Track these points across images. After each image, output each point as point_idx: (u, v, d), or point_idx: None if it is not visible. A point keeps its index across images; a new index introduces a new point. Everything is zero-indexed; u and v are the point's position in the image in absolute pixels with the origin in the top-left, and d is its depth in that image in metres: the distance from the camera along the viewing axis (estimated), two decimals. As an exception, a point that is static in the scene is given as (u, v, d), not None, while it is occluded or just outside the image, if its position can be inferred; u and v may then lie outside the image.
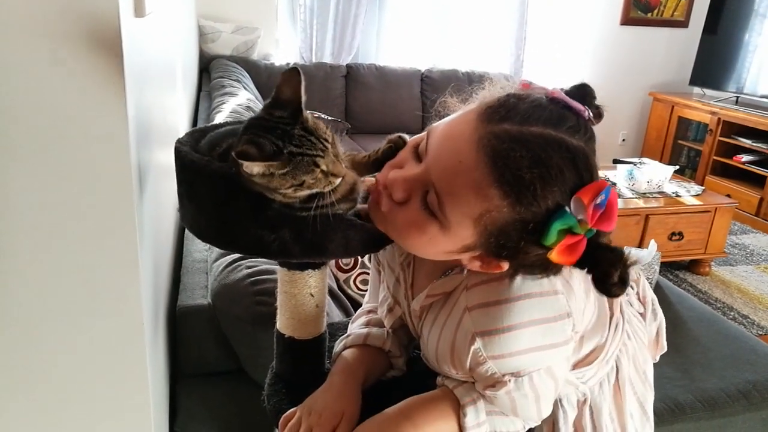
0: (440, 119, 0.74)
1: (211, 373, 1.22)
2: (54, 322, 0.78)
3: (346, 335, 0.99)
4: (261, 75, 3.73)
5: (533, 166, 0.63)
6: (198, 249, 1.39)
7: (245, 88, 3.09)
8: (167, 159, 1.23)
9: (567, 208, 0.63)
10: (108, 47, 0.68)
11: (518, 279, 0.71)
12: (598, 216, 0.63)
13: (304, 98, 0.70)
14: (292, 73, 0.70)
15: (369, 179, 0.89)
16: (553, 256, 0.64)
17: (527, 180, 0.62)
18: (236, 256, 1.22)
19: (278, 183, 0.68)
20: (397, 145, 0.80)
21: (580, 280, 0.75)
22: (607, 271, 0.64)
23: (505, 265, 0.69)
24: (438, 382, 0.87)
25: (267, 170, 0.66)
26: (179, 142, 0.83)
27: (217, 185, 0.74)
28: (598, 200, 0.63)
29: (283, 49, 4.14)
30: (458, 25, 4.38)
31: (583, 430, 0.93)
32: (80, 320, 0.79)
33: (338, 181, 0.71)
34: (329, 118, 3.49)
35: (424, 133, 0.75)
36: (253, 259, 1.20)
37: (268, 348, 1.06)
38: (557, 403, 0.90)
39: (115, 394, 0.84)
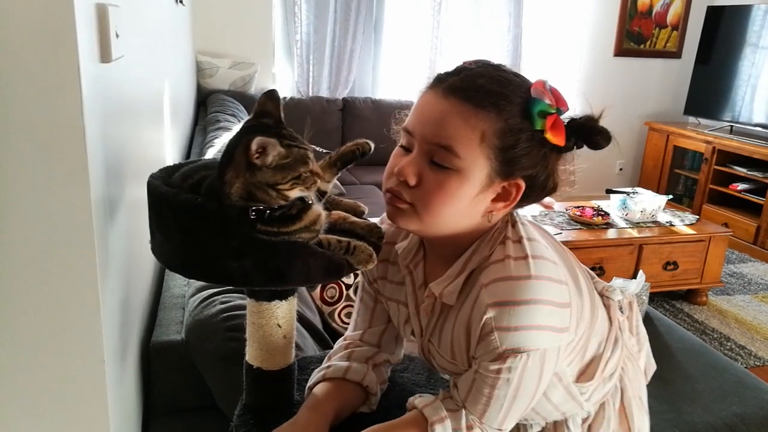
0: None
1: (184, 409, 1.21)
2: (11, 360, 0.78)
3: (326, 365, 1.00)
4: (258, 109, 3.77)
5: (493, 82, 0.79)
6: (177, 284, 1.40)
7: (241, 123, 3.13)
8: (145, 194, 1.25)
9: (534, 97, 0.79)
10: (68, 91, 0.71)
11: (532, 262, 0.80)
12: (555, 97, 0.80)
13: (282, 114, 0.82)
14: (273, 92, 0.83)
15: (335, 213, 0.92)
16: (548, 136, 0.79)
17: (496, 91, 0.78)
18: (211, 291, 1.23)
19: (280, 177, 0.75)
20: (362, 148, 0.87)
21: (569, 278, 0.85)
22: (591, 131, 0.81)
23: (522, 183, 0.81)
24: (408, 405, 0.90)
25: (276, 157, 0.74)
26: (152, 176, 0.88)
27: (184, 215, 0.79)
28: (547, 87, 0.80)
29: (279, 83, 4.21)
30: (452, 58, 4.45)
31: None
32: (39, 358, 0.79)
33: (319, 183, 0.80)
34: (324, 150, 3.51)
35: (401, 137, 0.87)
36: (227, 295, 1.21)
37: (241, 384, 1.06)
38: (563, 424, 0.96)
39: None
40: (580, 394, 0.92)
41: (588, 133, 0.82)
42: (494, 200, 0.82)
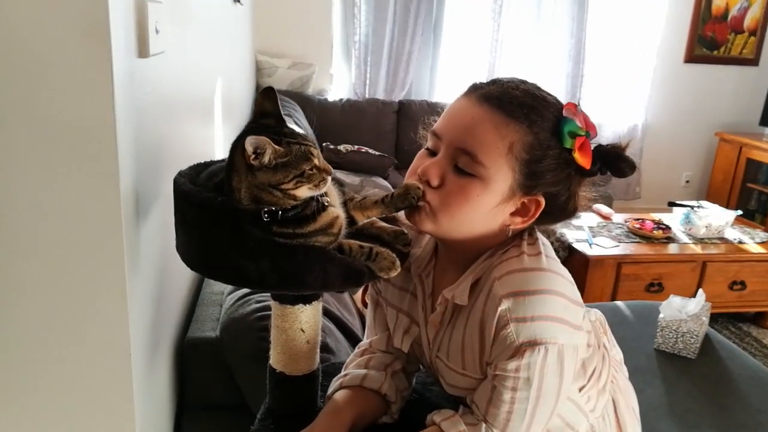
0: None
1: (216, 405, 1.21)
2: (36, 348, 0.79)
3: (343, 374, 0.98)
4: (314, 110, 3.81)
5: (528, 96, 0.80)
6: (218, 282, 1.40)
7: (296, 123, 3.17)
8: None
9: (566, 117, 0.79)
10: (100, 84, 0.71)
11: (545, 259, 0.80)
12: (585, 121, 0.80)
13: (281, 111, 0.79)
14: (270, 91, 0.80)
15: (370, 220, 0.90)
16: (576, 156, 0.79)
17: (529, 105, 0.79)
18: (248, 290, 1.22)
19: (281, 176, 0.73)
20: (412, 190, 0.82)
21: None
22: (616, 158, 0.82)
23: (542, 200, 0.80)
24: (427, 421, 0.87)
25: (273, 157, 0.72)
26: (180, 174, 0.87)
27: (204, 214, 0.78)
28: (579, 110, 0.80)
29: (337, 84, 4.23)
30: (512, 62, 4.35)
31: None
32: (64, 348, 0.80)
33: (329, 179, 0.78)
34: (376, 153, 3.50)
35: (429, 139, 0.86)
36: (264, 294, 1.20)
37: (270, 385, 1.05)
38: None
39: (100, 425, 0.84)
40: (584, 404, 0.92)
41: (614, 159, 0.82)
42: (513, 214, 0.82)
